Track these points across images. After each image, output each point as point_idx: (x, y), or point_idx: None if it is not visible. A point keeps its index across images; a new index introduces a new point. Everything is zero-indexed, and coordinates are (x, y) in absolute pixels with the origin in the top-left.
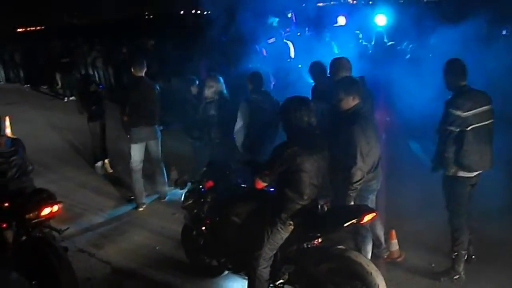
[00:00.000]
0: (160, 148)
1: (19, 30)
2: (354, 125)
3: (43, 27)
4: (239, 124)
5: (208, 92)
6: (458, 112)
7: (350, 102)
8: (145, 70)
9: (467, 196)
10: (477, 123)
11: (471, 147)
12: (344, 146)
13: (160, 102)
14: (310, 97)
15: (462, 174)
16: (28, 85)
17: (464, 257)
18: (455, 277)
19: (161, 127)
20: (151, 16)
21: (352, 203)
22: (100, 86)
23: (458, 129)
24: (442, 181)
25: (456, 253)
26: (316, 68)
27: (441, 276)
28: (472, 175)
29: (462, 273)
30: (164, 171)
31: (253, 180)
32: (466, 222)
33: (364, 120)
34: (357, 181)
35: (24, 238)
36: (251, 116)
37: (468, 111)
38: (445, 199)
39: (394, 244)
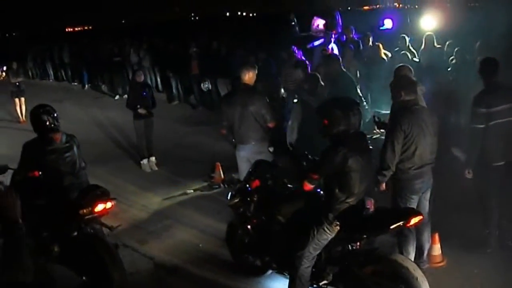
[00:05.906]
0: None
1: (67, 29)
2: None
3: (91, 27)
4: (293, 122)
5: None
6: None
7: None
8: None
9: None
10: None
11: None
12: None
13: None
14: None
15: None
16: (76, 83)
17: (496, 233)
18: (488, 251)
19: None
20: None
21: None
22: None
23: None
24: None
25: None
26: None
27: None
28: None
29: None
30: None
31: (301, 183)
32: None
33: (412, 114)
34: (383, 167)
35: (75, 233)
36: (304, 115)
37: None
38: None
39: (437, 249)
